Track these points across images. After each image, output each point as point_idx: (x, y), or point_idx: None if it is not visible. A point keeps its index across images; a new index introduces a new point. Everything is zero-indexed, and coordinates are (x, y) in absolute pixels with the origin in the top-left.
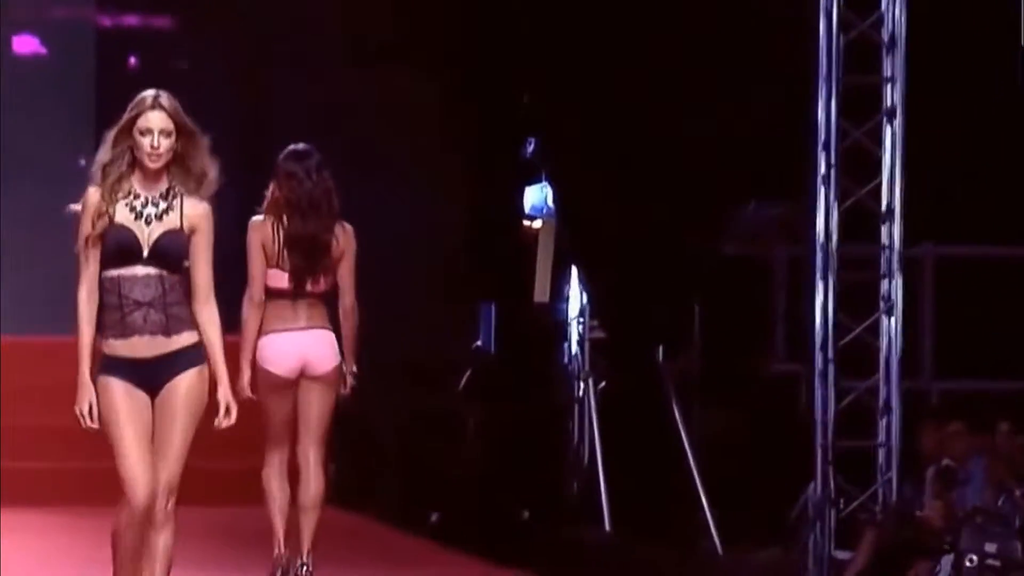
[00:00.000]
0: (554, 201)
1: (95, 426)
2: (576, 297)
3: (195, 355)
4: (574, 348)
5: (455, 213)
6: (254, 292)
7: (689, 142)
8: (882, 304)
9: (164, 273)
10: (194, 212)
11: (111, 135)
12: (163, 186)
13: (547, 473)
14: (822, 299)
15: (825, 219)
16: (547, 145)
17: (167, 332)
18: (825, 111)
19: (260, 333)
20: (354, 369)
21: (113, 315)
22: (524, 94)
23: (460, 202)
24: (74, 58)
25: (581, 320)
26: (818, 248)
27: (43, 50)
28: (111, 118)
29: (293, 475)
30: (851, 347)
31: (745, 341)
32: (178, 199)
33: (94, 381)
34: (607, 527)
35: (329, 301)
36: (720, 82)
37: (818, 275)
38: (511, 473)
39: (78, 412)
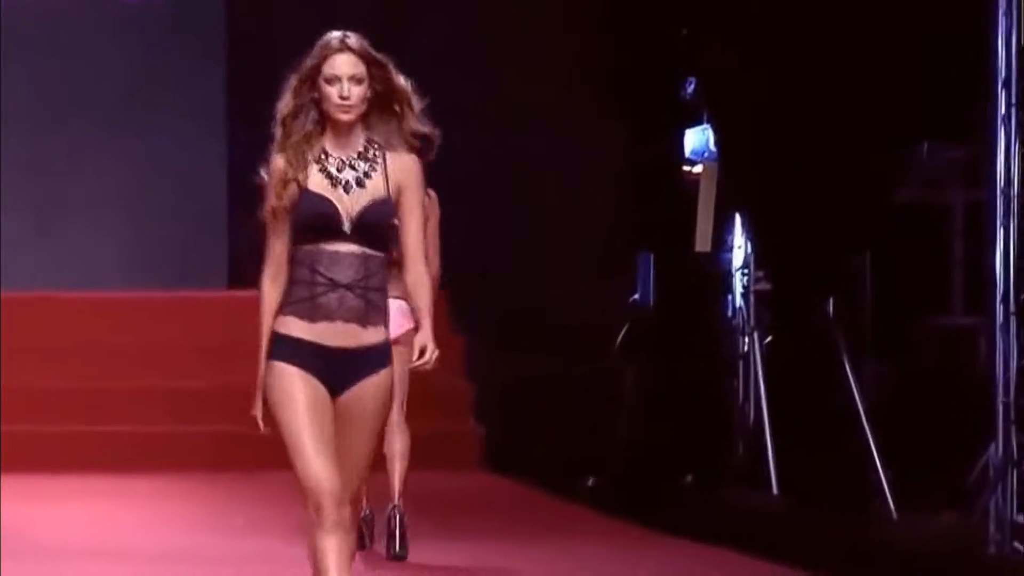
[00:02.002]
0: (716, 144)
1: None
2: (740, 246)
3: (384, 356)
4: (738, 301)
5: (610, 158)
6: None
7: (859, 79)
8: None
9: (369, 251)
10: (400, 168)
11: (293, 82)
12: (359, 143)
13: (710, 434)
14: (1003, 247)
15: (1006, 161)
16: (708, 84)
17: (363, 322)
18: (1005, 46)
19: None
20: (435, 350)
21: (301, 291)
22: (682, 29)
23: (616, 147)
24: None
25: (745, 271)
26: (999, 192)
27: None
28: (241, 55)
29: None
30: None
31: (920, 292)
32: (380, 156)
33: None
34: (775, 491)
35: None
36: (892, 16)
37: (999, 221)
38: (672, 435)
39: (255, 416)
